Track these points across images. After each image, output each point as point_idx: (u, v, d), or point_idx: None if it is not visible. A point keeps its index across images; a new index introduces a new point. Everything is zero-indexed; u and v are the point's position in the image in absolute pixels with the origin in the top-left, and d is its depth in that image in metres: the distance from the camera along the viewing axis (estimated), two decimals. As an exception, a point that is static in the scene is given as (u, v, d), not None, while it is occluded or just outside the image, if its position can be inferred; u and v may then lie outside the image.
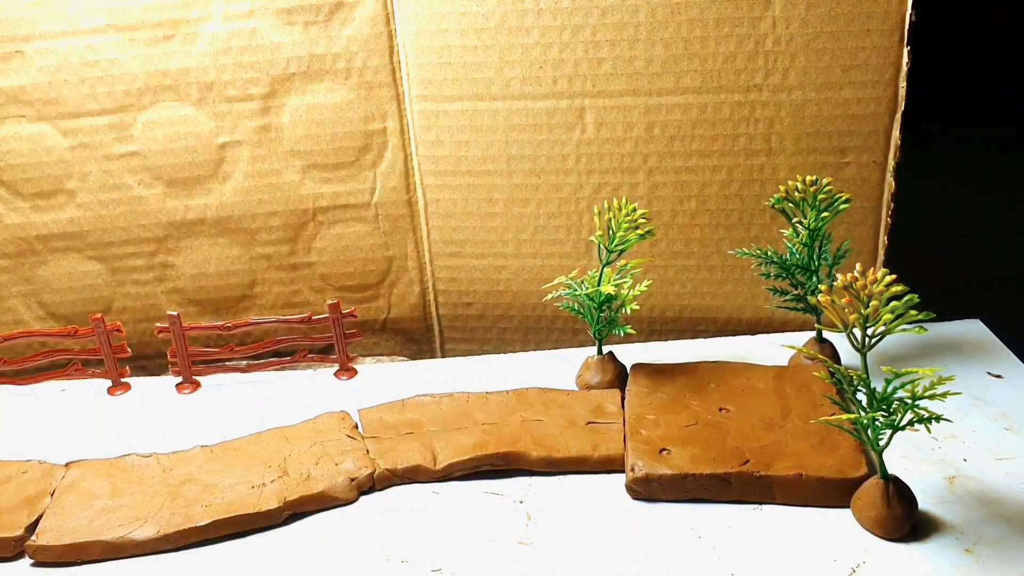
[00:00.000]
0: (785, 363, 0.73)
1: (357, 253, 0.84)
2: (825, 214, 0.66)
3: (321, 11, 0.76)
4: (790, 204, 0.67)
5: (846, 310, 0.52)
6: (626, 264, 0.67)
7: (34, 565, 0.58)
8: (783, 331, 0.81)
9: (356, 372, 0.78)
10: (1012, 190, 0.99)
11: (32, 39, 0.76)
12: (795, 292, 0.70)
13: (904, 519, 0.55)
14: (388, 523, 0.60)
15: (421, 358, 0.89)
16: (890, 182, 0.76)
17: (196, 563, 0.58)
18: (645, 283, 0.64)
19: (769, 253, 0.69)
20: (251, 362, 0.80)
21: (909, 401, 0.52)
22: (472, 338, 0.88)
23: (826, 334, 0.73)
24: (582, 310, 0.67)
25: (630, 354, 0.73)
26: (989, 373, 0.71)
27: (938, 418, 0.52)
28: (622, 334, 0.66)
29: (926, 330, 0.51)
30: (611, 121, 0.77)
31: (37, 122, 0.79)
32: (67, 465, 0.65)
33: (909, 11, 0.71)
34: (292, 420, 0.69)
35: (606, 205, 0.64)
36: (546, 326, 0.86)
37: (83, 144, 0.79)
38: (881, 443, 0.55)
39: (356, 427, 0.68)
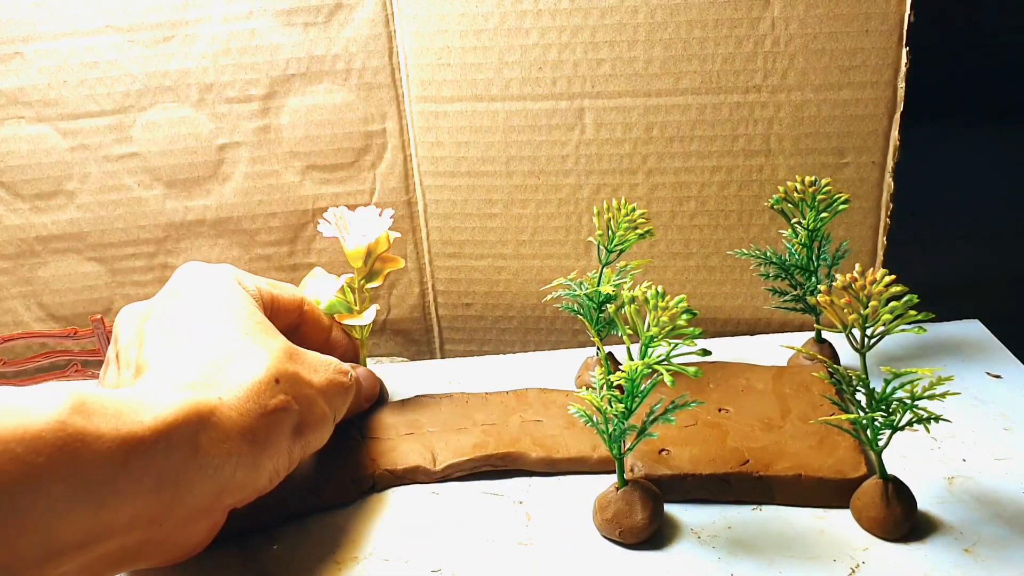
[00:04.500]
0: (784, 363, 0.73)
1: (357, 254, 0.85)
2: (824, 215, 0.66)
3: (320, 12, 0.76)
4: (789, 205, 0.67)
5: (845, 310, 0.52)
6: (626, 265, 0.67)
7: (34, 566, 0.58)
8: (782, 331, 0.81)
9: (356, 373, 0.78)
10: (1012, 190, 0.99)
11: (31, 40, 0.76)
12: (794, 292, 0.70)
13: (903, 519, 0.55)
14: (388, 523, 0.60)
15: (421, 359, 0.89)
16: (889, 183, 0.76)
17: (195, 564, 0.58)
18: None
19: (768, 253, 0.69)
20: (251, 363, 0.80)
21: (908, 401, 0.52)
22: (472, 339, 0.88)
23: (825, 334, 0.73)
24: (581, 311, 0.67)
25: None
26: (988, 373, 0.71)
27: (937, 418, 0.52)
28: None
29: (925, 330, 0.51)
30: (610, 122, 0.77)
31: (37, 123, 0.79)
32: (67, 466, 0.65)
33: (908, 11, 0.71)
34: (292, 421, 0.69)
35: (605, 205, 0.64)
36: (546, 327, 0.86)
37: (83, 145, 0.79)
38: (880, 443, 0.55)
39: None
